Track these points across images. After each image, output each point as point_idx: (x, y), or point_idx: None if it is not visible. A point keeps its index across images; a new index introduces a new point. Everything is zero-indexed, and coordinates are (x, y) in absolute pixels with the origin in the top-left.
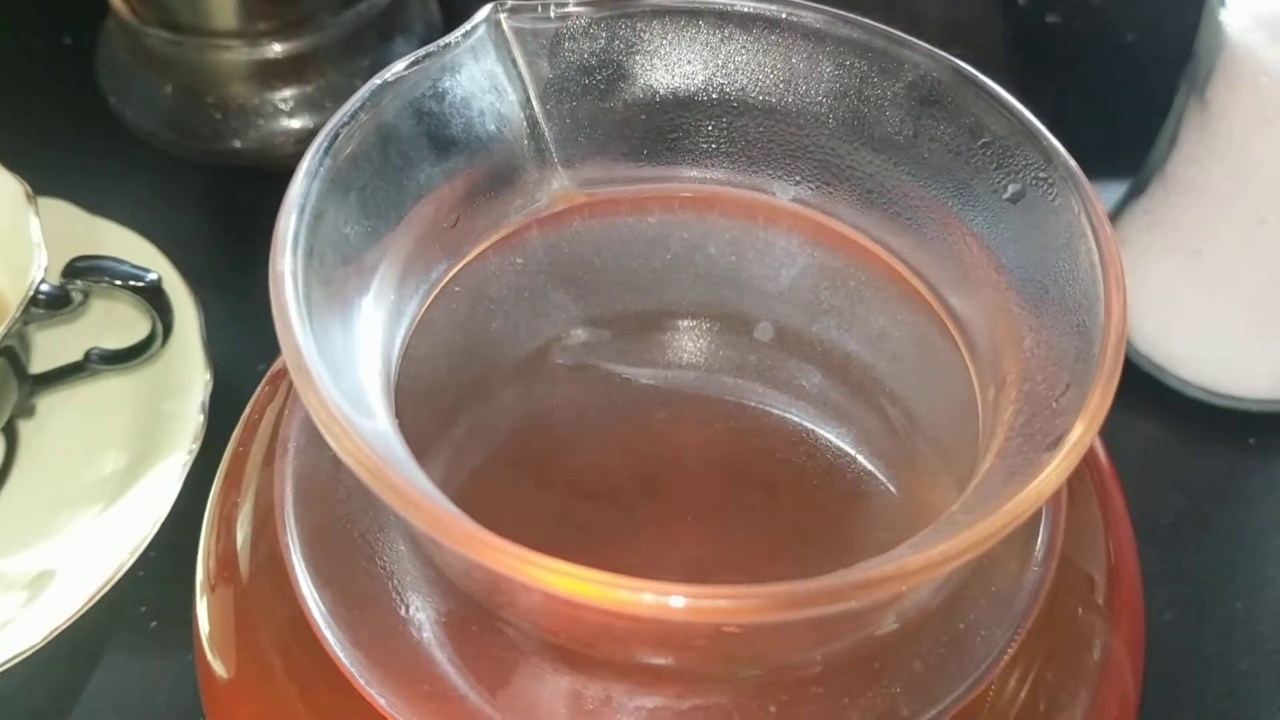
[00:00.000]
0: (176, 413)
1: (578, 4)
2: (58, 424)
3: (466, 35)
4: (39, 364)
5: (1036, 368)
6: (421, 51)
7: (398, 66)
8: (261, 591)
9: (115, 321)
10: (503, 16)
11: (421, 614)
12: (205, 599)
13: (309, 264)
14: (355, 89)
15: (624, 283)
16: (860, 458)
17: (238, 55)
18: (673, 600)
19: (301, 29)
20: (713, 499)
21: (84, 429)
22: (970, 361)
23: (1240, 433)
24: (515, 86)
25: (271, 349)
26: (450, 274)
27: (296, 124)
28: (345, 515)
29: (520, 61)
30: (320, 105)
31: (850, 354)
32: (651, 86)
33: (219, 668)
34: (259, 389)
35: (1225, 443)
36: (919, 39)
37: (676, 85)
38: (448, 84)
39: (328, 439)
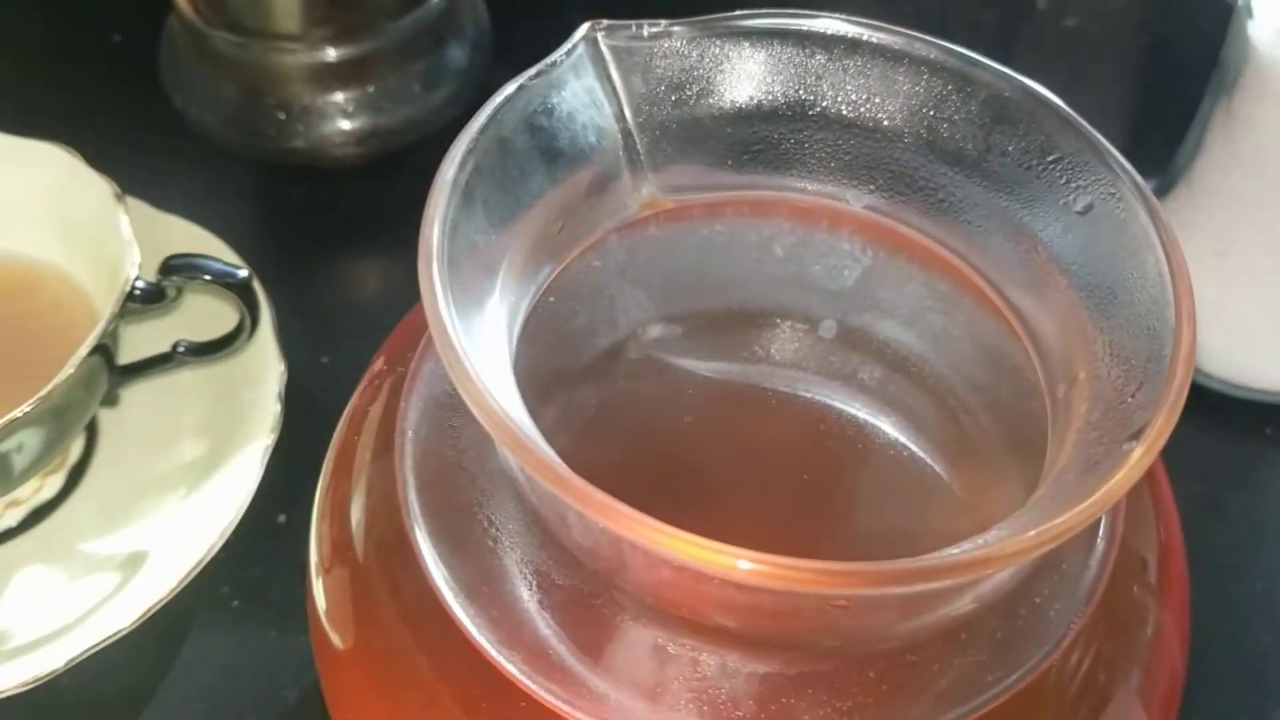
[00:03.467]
0: (254, 402)
1: (669, 24)
2: (136, 412)
3: (568, 54)
4: (120, 355)
5: (1108, 367)
6: (532, 70)
7: (511, 86)
8: (381, 570)
9: (190, 314)
10: (599, 35)
11: (544, 587)
12: (321, 579)
13: (451, 273)
14: (411, 91)
15: (703, 282)
16: (921, 448)
17: (299, 58)
18: (805, 572)
19: (360, 34)
20: (781, 485)
21: (161, 417)
22: (1037, 360)
23: (1258, 423)
24: (611, 101)
25: (328, 341)
26: (553, 276)
27: (354, 125)
28: (468, 500)
29: (615, 77)
30: (377, 107)
31: (915, 351)
32: (736, 101)
33: (338, 640)
34: (359, 389)
35: (1243, 432)
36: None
37: (760, 100)
38: (554, 100)
39: (492, 432)
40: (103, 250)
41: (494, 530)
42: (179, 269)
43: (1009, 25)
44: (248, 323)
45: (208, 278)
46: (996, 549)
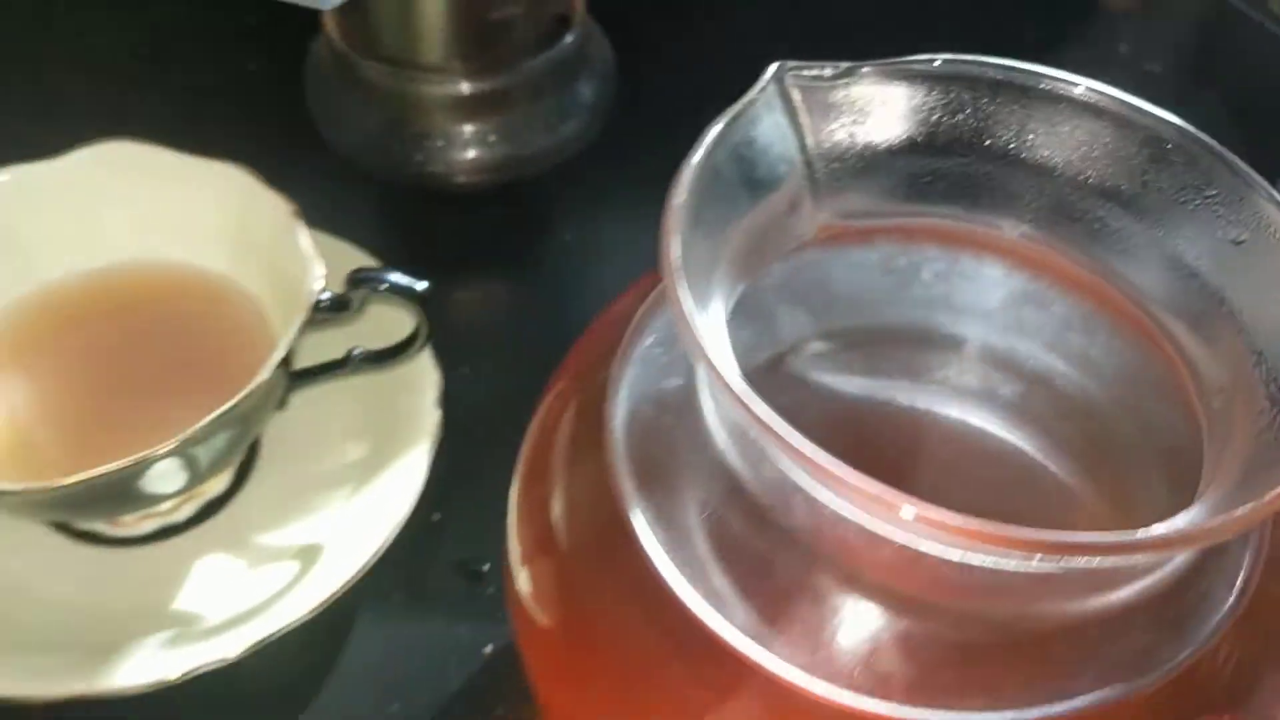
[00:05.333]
0: (413, 407)
1: (848, 65)
2: (297, 415)
3: (761, 91)
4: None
5: (1267, 380)
6: (736, 107)
7: (721, 122)
8: (593, 556)
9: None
10: (786, 75)
11: (761, 569)
12: (525, 570)
13: (691, 291)
14: (542, 124)
15: (865, 301)
16: (1065, 461)
17: (442, 89)
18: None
19: (499, 69)
20: (936, 493)
21: (322, 420)
22: (1190, 377)
23: None
24: (795, 133)
25: (466, 353)
26: (740, 293)
27: (488, 153)
28: (682, 488)
29: (799, 111)
30: (511, 138)
31: (1063, 369)
32: (905, 136)
33: (548, 621)
34: (545, 403)
35: None
36: None
37: (927, 136)
38: (752, 133)
39: (742, 415)
40: (277, 264)
41: (709, 514)
42: (364, 281)
43: (1096, 68)
44: (423, 332)
45: (388, 288)
46: (1203, 528)
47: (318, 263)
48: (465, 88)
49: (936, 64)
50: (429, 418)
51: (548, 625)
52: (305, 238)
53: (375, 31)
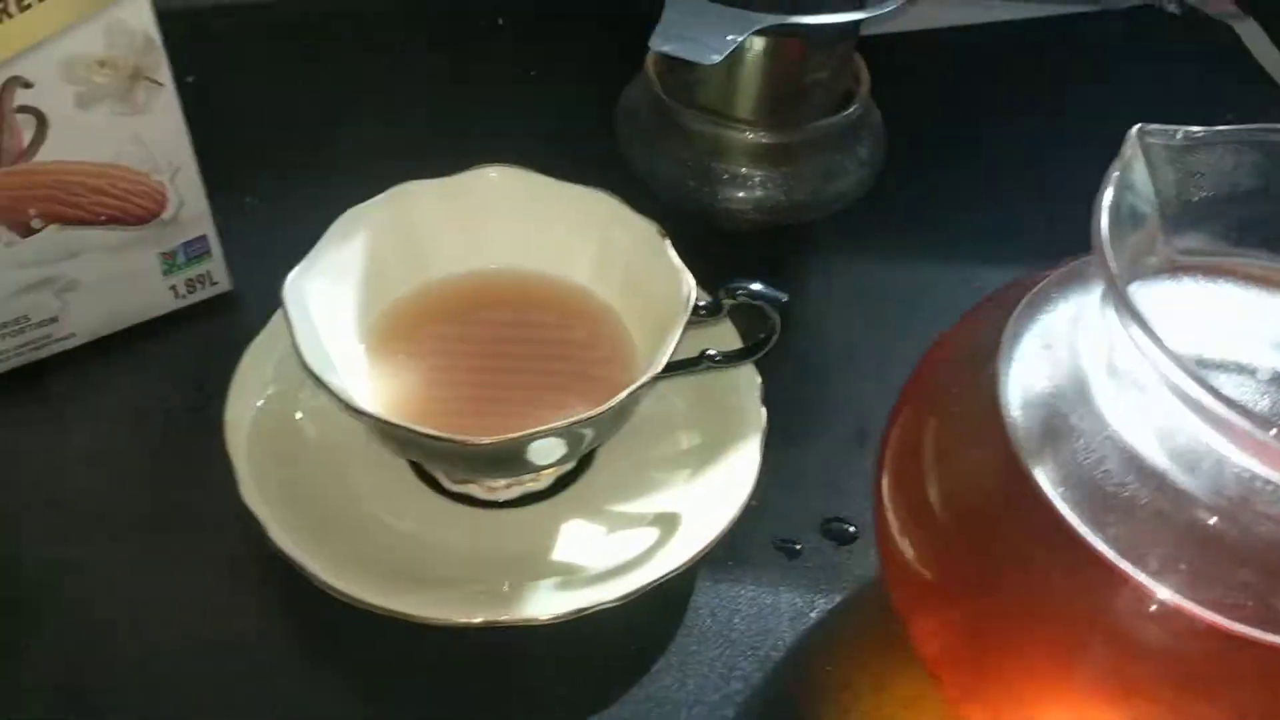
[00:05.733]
0: (741, 405)
1: (1199, 131)
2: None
3: (1128, 148)
4: None
5: None
6: (1118, 164)
7: (1115, 170)
8: (991, 517)
9: None
10: (1145, 137)
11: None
12: (906, 539)
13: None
14: (815, 178)
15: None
16: None
17: (746, 137)
18: None
19: (795, 126)
20: None
21: (655, 413)
22: None
23: None
24: (1151, 182)
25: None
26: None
27: (776, 196)
28: (1080, 451)
29: (1154, 165)
30: (797, 186)
31: None
32: (1242, 188)
33: (931, 577)
34: (905, 396)
35: None
36: None
37: (1260, 189)
38: (1129, 178)
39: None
40: (634, 278)
41: (1107, 473)
42: (735, 290)
43: None
44: (775, 337)
45: (756, 296)
46: None
47: (688, 274)
48: (765, 138)
49: (1268, 135)
50: (758, 413)
51: (935, 583)
52: (673, 254)
53: (695, 85)
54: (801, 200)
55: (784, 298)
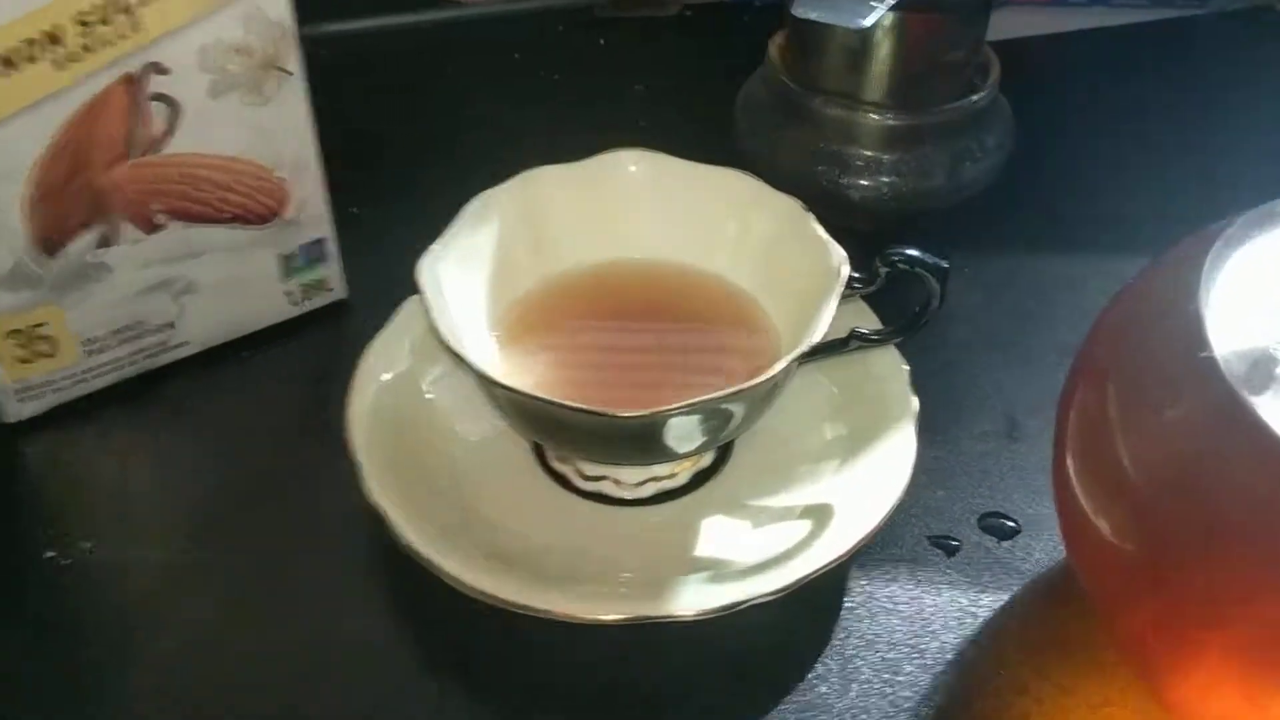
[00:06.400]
0: (887, 394)
1: None
2: None
3: None
4: None
5: None
6: None
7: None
8: (1205, 479)
9: None
10: None
11: None
12: (1103, 518)
13: None
14: (946, 162)
15: None
16: None
17: (875, 120)
18: None
19: (922, 109)
20: None
21: (791, 403)
22: None
23: None
24: None
25: None
26: None
27: (902, 184)
28: None
29: None
30: (924, 172)
31: None
32: None
33: (1137, 554)
34: (1078, 386)
35: None
36: None
37: None
38: None
39: None
40: (776, 258)
41: None
42: (892, 257)
43: None
44: (936, 304)
45: (917, 264)
46: None
47: (835, 246)
48: (895, 120)
49: None
50: (908, 401)
51: (1149, 558)
52: (819, 227)
53: (821, 71)
54: (934, 187)
55: (945, 264)
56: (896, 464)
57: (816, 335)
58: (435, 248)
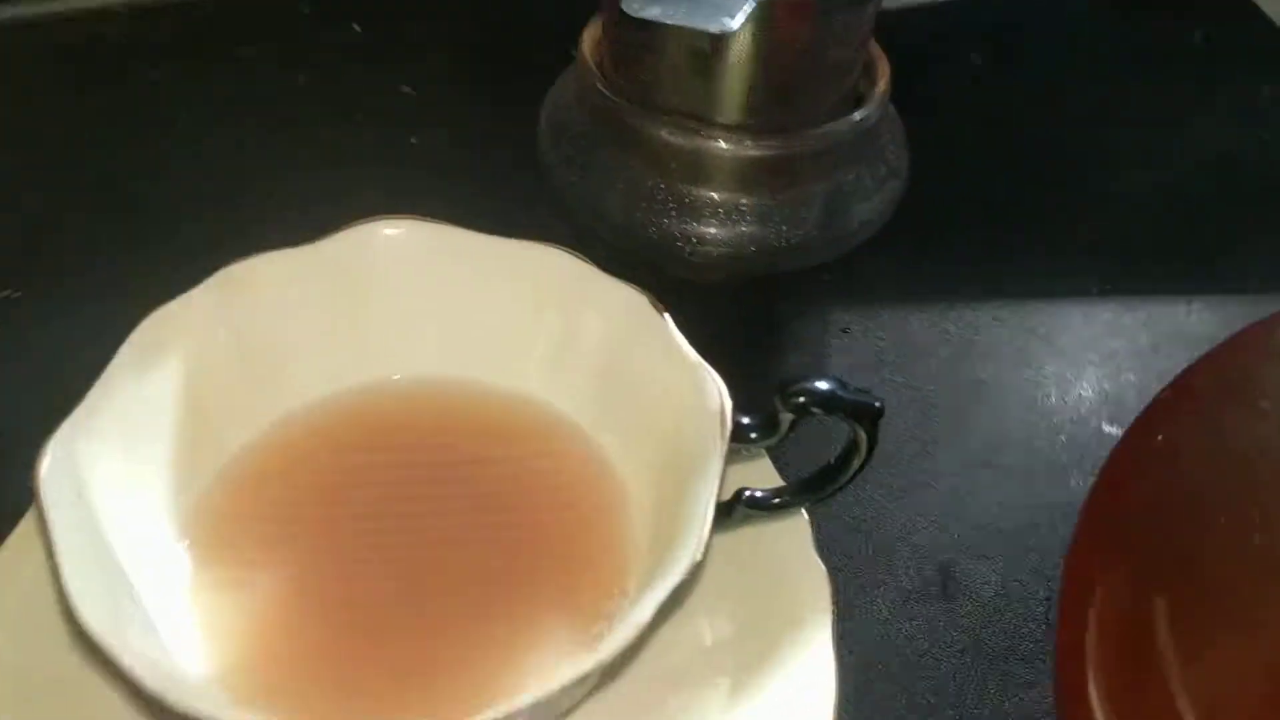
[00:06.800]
0: (786, 564)
1: None
2: None
3: None
4: None
5: None
6: None
7: None
8: None
9: None
10: None
11: None
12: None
13: None
14: (825, 204)
15: None
16: None
17: (727, 149)
18: None
19: (797, 132)
20: None
21: None
22: None
23: None
24: None
25: None
26: None
27: (765, 232)
28: None
29: None
30: (792, 215)
31: None
32: None
33: None
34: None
35: None
36: None
37: None
38: None
39: None
40: (615, 380)
41: None
42: (795, 395)
43: None
44: (861, 458)
45: (827, 407)
46: None
47: (710, 373)
48: (756, 150)
49: None
50: (816, 573)
51: None
52: (680, 339)
53: (653, 79)
54: (808, 237)
55: (877, 403)
56: (812, 689)
57: (683, 559)
58: (74, 417)
